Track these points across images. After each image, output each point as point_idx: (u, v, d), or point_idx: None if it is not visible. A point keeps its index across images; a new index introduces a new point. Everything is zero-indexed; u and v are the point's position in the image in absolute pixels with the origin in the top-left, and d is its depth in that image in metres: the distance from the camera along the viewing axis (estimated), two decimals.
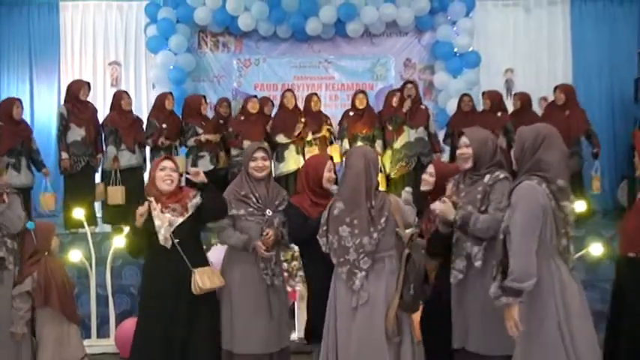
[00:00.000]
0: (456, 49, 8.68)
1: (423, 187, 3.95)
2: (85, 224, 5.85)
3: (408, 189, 3.99)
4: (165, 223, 3.68)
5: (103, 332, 5.64)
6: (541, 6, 9.13)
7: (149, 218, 3.69)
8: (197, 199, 3.80)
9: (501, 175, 3.33)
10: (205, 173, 5.94)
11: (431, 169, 3.95)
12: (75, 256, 5.46)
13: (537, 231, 2.84)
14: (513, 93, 7.35)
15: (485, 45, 8.97)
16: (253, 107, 7.20)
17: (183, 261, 3.68)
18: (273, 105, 7.78)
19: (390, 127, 7.14)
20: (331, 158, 3.96)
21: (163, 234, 3.67)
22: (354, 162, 3.50)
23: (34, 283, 4.08)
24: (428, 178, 3.91)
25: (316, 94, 7.74)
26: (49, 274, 4.09)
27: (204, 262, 3.84)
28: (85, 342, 5.52)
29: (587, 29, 9.01)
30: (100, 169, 7.04)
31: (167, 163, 3.82)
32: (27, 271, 4.12)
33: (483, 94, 7.52)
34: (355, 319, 3.34)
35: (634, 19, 9.01)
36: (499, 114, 7.20)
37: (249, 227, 3.81)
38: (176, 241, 3.68)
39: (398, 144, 7.10)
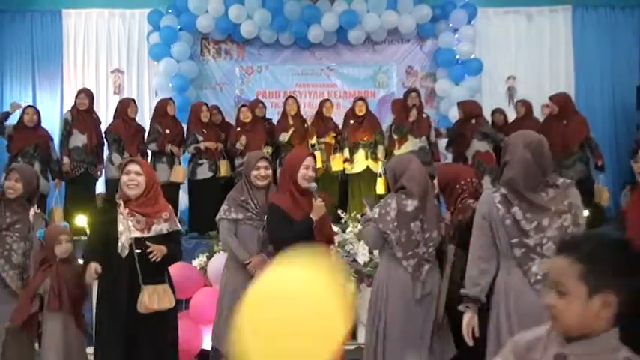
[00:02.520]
0: (458, 57, 8.72)
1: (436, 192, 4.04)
2: (87, 231, 5.84)
3: (313, 184, 3.79)
4: (126, 231, 3.53)
5: None
6: (543, 13, 9.15)
7: (113, 221, 3.56)
8: (166, 225, 3.66)
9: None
10: (204, 180, 5.94)
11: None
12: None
13: (480, 240, 2.93)
14: (516, 100, 7.35)
15: (487, 52, 8.99)
16: (245, 117, 7.15)
17: (134, 274, 3.51)
18: (264, 106, 7.77)
19: (396, 137, 7.16)
20: (312, 155, 3.89)
21: (122, 242, 3.52)
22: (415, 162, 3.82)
23: (46, 288, 4.07)
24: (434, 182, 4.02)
25: (329, 100, 7.78)
26: (61, 279, 4.08)
27: (160, 279, 3.63)
28: (90, 349, 5.56)
29: (588, 36, 9.03)
30: (100, 180, 7.12)
31: (132, 167, 3.64)
32: (38, 278, 4.11)
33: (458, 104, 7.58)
34: (420, 307, 3.58)
35: (635, 26, 9.01)
36: (472, 121, 7.20)
37: (248, 231, 3.95)
38: (136, 251, 3.52)
39: (401, 152, 7.10)
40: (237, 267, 3.92)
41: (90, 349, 5.46)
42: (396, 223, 3.59)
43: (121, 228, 3.55)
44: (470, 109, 7.33)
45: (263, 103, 7.84)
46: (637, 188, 3.49)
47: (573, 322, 1.50)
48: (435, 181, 3.93)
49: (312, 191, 3.71)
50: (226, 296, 3.90)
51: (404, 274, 3.57)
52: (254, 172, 3.96)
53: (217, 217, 4.02)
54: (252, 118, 7.19)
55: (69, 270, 4.14)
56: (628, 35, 9.00)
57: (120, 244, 3.53)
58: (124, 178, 3.63)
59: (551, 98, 7.13)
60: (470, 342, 2.92)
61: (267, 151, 7.10)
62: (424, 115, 7.32)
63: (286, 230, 3.59)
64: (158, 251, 3.56)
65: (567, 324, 1.51)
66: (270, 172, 4.04)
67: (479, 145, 7.05)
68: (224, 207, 3.99)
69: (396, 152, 7.11)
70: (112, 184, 6.81)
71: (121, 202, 3.61)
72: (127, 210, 3.57)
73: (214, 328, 4.05)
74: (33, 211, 4.25)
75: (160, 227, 3.64)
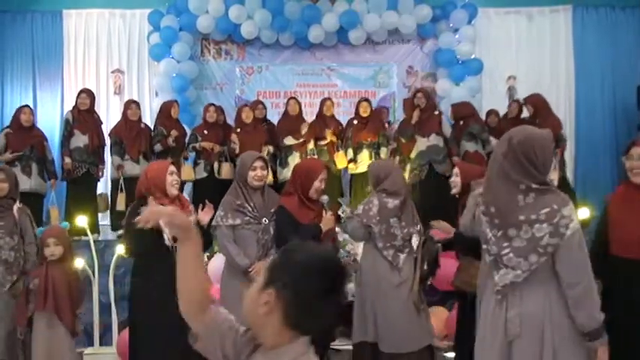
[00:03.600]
0: (458, 57, 8.71)
1: (454, 190, 4.07)
2: (88, 232, 5.86)
3: (324, 197, 4.07)
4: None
5: (105, 340, 5.63)
6: (543, 13, 9.14)
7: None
8: (193, 217, 3.76)
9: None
10: (201, 180, 5.91)
11: (455, 169, 4.13)
12: (78, 263, 5.45)
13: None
14: (523, 98, 7.30)
15: (488, 52, 8.99)
16: (247, 117, 7.20)
17: (174, 269, 3.58)
18: (264, 107, 7.77)
19: (403, 140, 7.17)
20: (327, 168, 4.17)
21: (168, 234, 3.56)
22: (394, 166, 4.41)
23: (34, 287, 4.13)
24: (455, 179, 4.06)
25: (330, 99, 7.76)
26: (48, 279, 4.12)
27: None
28: (88, 350, 5.57)
29: (589, 36, 9.02)
30: (102, 180, 7.17)
31: (174, 168, 3.85)
32: (31, 277, 4.18)
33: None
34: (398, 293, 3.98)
35: (636, 26, 9.01)
36: (461, 122, 7.22)
37: (247, 236, 3.85)
38: (175, 245, 3.62)
39: (413, 153, 7.13)
40: (236, 274, 3.83)
41: (90, 350, 5.53)
42: (378, 218, 4.02)
43: (162, 223, 3.55)
44: (457, 112, 7.39)
45: (263, 104, 7.85)
46: (627, 185, 3.45)
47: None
48: (457, 179, 3.98)
49: (324, 203, 3.98)
50: (225, 304, 3.81)
51: (383, 262, 4.01)
52: (251, 173, 3.89)
53: (213, 223, 3.86)
54: (252, 119, 7.22)
55: (59, 271, 4.16)
56: (628, 35, 8.99)
57: (166, 236, 3.59)
58: (170, 179, 3.74)
59: (526, 99, 7.17)
60: None
61: (269, 150, 7.12)
62: (435, 113, 7.26)
63: (291, 233, 3.70)
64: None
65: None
66: (265, 172, 3.98)
67: (468, 146, 7.07)
68: (220, 213, 3.88)
69: (412, 155, 7.13)
70: (115, 185, 6.88)
71: (152, 199, 3.66)
72: (154, 203, 3.61)
73: None
74: (16, 206, 4.37)
75: (191, 218, 3.72)
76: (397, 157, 7.26)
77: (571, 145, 7.80)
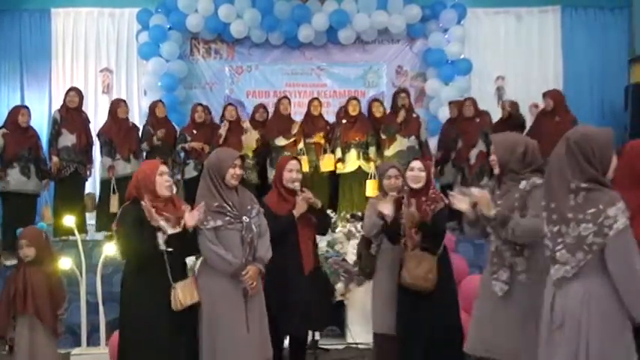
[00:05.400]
0: (447, 57, 8.72)
1: (416, 185, 4.10)
2: (76, 231, 5.82)
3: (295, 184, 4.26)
4: (157, 223, 3.51)
5: (93, 341, 5.60)
6: (532, 13, 9.18)
7: (143, 221, 3.51)
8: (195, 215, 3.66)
9: (538, 182, 3.21)
10: (191, 180, 5.89)
11: (418, 164, 4.17)
12: (65, 263, 5.41)
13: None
14: (543, 93, 7.29)
15: (477, 52, 9.01)
16: (231, 116, 7.26)
17: (166, 273, 3.53)
18: (266, 111, 7.76)
19: (384, 136, 7.17)
20: (296, 159, 4.42)
21: (160, 239, 3.51)
22: None
23: (13, 291, 4.10)
24: (419, 174, 4.09)
25: (317, 98, 7.80)
26: (26, 281, 4.09)
27: (185, 275, 3.69)
28: (75, 350, 5.54)
29: (577, 37, 9.06)
30: (89, 179, 7.15)
31: (165, 168, 3.72)
32: (9, 282, 4.16)
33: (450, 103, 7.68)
34: None
35: (624, 27, 9.05)
36: (477, 119, 7.23)
37: (230, 236, 3.71)
38: (169, 250, 3.52)
39: (390, 152, 7.12)
40: (220, 277, 3.69)
41: (77, 350, 5.51)
42: None
43: (155, 226, 3.51)
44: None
45: (265, 107, 7.84)
46: None
47: None
48: (421, 174, 4.10)
49: (297, 191, 4.17)
50: (204, 306, 3.68)
51: None
52: (231, 171, 3.74)
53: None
54: (235, 119, 7.24)
55: (37, 273, 4.13)
56: (616, 36, 9.04)
57: (160, 240, 3.50)
58: (160, 180, 3.61)
59: (546, 94, 7.17)
60: None
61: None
62: (414, 115, 7.33)
63: (269, 226, 3.90)
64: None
65: None
66: (242, 171, 3.92)
67: (482, 146, 7.06)
68: None
69: (386, 152, 7.13)
70: (105, 186, 6.84)
71: (145, 201, 3.55)
72: (155, 209, 3.53)
73: None
74: None
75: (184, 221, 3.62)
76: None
77: None
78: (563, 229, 2.63)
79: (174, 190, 3.77)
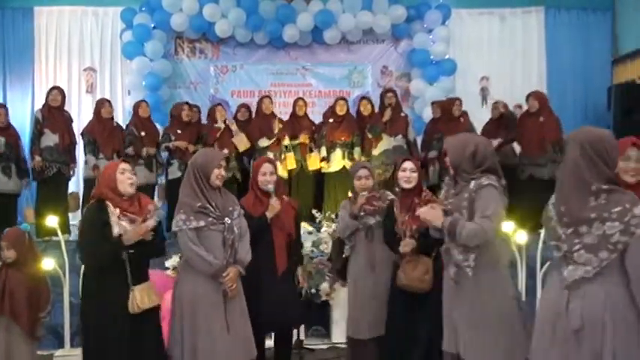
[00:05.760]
0: (432, 57, 8.77)
1: (408, 185, 4.11)
2: (59, 232, 5.76)
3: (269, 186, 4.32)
4: (120, 232, 3.48)
5: (76, 342, 5.54)
6: (516, 14, 9.24)
7: (106, 222, 3.48)
8: (154, 220, 3.62)
9: (485, 182, 3.25)
10: (175, 180, 5.86)
11: (410, 165, 4.15)
12: (48, 264, 5.36)
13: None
14: (527, 94, 7.36)
15: (461, 53, 9.06)
16: (222, 115, 7.29)
17: (125, 275, 3.50)
18: (248, 111, 7.76)
19: (370, 136, 7.18)
20: (271, 162, 4.44)
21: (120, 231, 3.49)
22: None
23: None
24: (410, 175, 4.10)
25: (302, 98, 7.82)
26: (5, 283, 4.05)
27: (145, 278, 3.65)
28: (59, 352, 5.50)
29: (561, 37, 9.13)
30: (72, 179, 7.08)
31: (126, 166, 3.64)
32: None
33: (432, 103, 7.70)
34: None
35: (607, 28, 9.13)
36: (461, 120, 7.30)
37: (212, 237, 3.72)
38: (130, 252, 3.49)
39: (376, 151, 7.16)
40: (202, 280, 3.70)
41: (60, 352, 5.46)
42: None
43: (117, 229, 3.48)
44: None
45: (247, 107, 7.83)
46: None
47: None
48: (413, 175, 4.11)
49: (271, 192, 4.22)
50: (184, 307, 3.69)
51: None
52: (216, 171, 3.75)
53: (175, 229, 3.71)
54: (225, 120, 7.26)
55: (16, 275, 4.09)
56: (599, 37, 9.12)
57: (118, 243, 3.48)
58: (122, 177, 3.57)
59: (530, 95, 7.21)
60: None
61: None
62: (402, 114, 7.36)
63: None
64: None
65: None
66: (226, 172, 3.95)
67: None
68: (181, 216, 3.69)
69: (373, 152, 7.16)
70: (88, 184, 6.78)
71: (108, 203, 3.53)
72: (118, 210, 3.51)
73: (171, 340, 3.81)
74: None
75: (151, 222, 3.59)
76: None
77: None
78: (582, 229, 2.62)
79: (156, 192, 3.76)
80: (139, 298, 3.49)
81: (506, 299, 3.35)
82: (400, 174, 4.19)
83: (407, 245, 3.95)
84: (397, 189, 4.24)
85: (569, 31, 9.15)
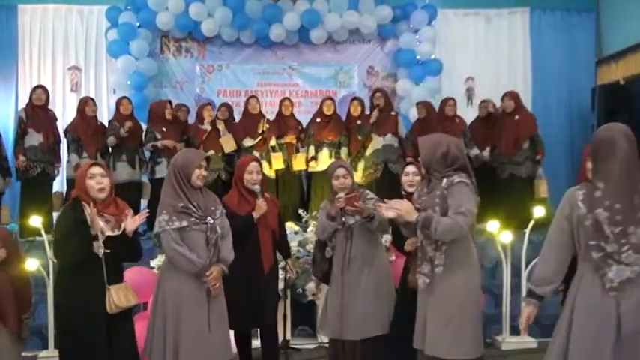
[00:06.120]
0: (418, 57, 8.79)
1: (411, 189, 4.13)
2: (43, 232, 5.72)
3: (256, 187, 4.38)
4: (98, 231, 3.48)
5: None
6: (501, 15, 9.28)
7: (83, 221, 3.47)
8: (138, 222, 3.64)
9: (457, 180, 3.32)
10: (159, 180, 5.82)
11: (413, 168, 4.18)
12: (32, 264, 5.32)
13: (558, 240, 2.83)
14: (502, 94, 7.43)
15: (447, 53, 9.08)
16: (209, 116, 7.29)
17: (101, 275, 3.50)
18: (227, 110, 7.72)
19: (360, 137, 7.21)
20: (257, 161, 4.48)
21: (97, 242, 3.48)
22: None
23: None
24: (413, 178, 4.15)
25: (288, 98, 7.81)
26: None
27: (121, 279, 3.66)
28: (43, 353, 5.47)
29: (546, 38, 9.18)
30: (57, 179, 7.03)
31: (95, 170, 3.59)
32: None
33: (417, 104, 7.72)
34: None
35: (591, 29, 9.19)
36: (457, 120, 7.40)
37: (195, 237, 3.74)
38: (106, 251, 3.48)
39: (368, 152, 7.22)
40: (188, 277, 3.72)
41: (44, 353, 5.43)
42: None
43: (93, 230, 3.47)
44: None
45: (228, 106, 7.80)
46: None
47: None
48: (416, 178, 4.15)
49: (257, 193, 4.29)
50: (168, 306, 3.70)
51: None
52: (197, 172, 3.77)
53: (158, 229, 3.71)
54: (213, 120, 7.25)
55: (3, 275, 4.05)
56: (584, 38, 9.17)
57: (95, 244, 3.46)
58: (91, 183, 3.54)
59: (506, 95, 7.33)
60: (525, 332, 2.94)
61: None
62: (392, 113, 7.38)
63: (229, 224, 3.98)
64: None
65: None
66: (207, 172, 3.95)
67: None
68: (163, 217, 3.70)
69: (366, 153, 7.23)
70: (71, 184, 6.74)
71: (87, 204, 3.52)
72: (95, 210, 3.49)
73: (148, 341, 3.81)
74: None
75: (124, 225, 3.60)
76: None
77: None
78: (630, 229, 2.64)
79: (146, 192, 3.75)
80: (116, 297, 3.50)
81: (474, 297, 3.41)
82: (404, 178, 4.26)
83: (411, 244, 3.93)
84: (403, 192, 4.28)
85: (554, 32, 9.21)
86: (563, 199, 2.84)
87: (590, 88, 8.60)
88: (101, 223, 3.49)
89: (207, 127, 7.17)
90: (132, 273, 4.64)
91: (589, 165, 3.06)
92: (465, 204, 3.25)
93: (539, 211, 5.85)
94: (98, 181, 3.56)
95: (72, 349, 3.52)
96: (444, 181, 3.36)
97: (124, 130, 6.84)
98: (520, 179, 7.04)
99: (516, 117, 7.13)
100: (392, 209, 3.37)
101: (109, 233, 3.51)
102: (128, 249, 3.63)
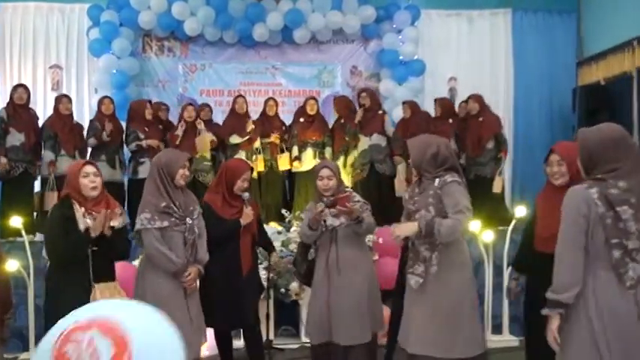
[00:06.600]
0: (401, 57, 8.81)
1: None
2: (23, 232, 5.67)
3: (245, 194, 4.37)
4: (85, 227, 3.48)
5: None
6: (483, 16, 9.32)
7: (71, 220, 3.48)
8: (120, 221, 3.66)
9: (449, 179, 3.39)
10: (143, 180, 5.68)
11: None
12: (12, 265, 5.27)
13: (577, 242, 2.66)
14: (467, 97, 7.50)
15: (430, 53, 9.11)
16: (189, 116, 7.23)
17: (88, 273, 3.52)
18: (211, 110, 7.73)
19: (347, 138, 7.22)
20: (251, 169, 4.45)
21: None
22: None
23: None
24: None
25: (273, 98, 7.81)
26: None
27: (111, 277, 3.67)
28: (23, 355, 5.42)
29: (528, 39, 9.24)
30: (39, 178, 6.91)
31: (89, 169, 3.63)
32: None
33: (435, 101, 7.74)
34: None
35: (572, 30, 9.27)
36: (450, 120, 7.43)
37: (175, 237, 3.81)
38: (93, 248, 3.50)
39: (356, 152, 7.26)
40: (166, 277, 3.78)
41: (25, 355, 5.38)
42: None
43: (82, 225, 3.48)
44: (449, 108, 7.68)
45: (210, 107, 7.77)
46: (549, 185, 3.59)
47: None
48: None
49: (245, 199, 4.26)
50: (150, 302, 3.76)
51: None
52: (181, 171, 3.84)
53: (139, 227, 3.76)
54: (193, 120, 7.19)
55: None
56: (565, 39, 9.24)
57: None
58: (84, 181, 3.55)
59: (470, 97, 7.45)
60: (556, 348, 2.75)
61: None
62: (379, 112, 7.41)
63: (214, 228, 4.07)
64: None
65: None
66: (189, 172, 4.06)
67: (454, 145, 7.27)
68: (145, 215, 3.75)
69: (354, 153, 7.28)
70: (45, 183, 6.65)
71: (74, 201, 3.53)
72: (83, 209, 3.51)
73: None
74: None
75: (117, 222, 3.63)
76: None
77: (509, 145, 7.98)
78: None
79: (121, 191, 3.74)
80: (99, 296, 3.49)
81: (470, 296, 3.45)
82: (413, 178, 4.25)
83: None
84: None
85: (536, 33, 9.27)
86: (572, 199, 2.70)
87: (571, 88, 8.67)
88: (89, 221, 3.49)
89: (179, 132, 7.08)
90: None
91: (548, 170, 3.10)
92: (462, 201, 3.34)
93: (520, 211, 5.89)
94: (91, 179, 3.58)
95: None
96: (436, 181, 3.43)
97: (106, 134, 6.80)
98: (485, 179, 7.08)
99: (480, 118, 7.22)
100: (397, 237, 3.48)
101: (114, 224, 3.56)
102: (116, 245, 3.64)
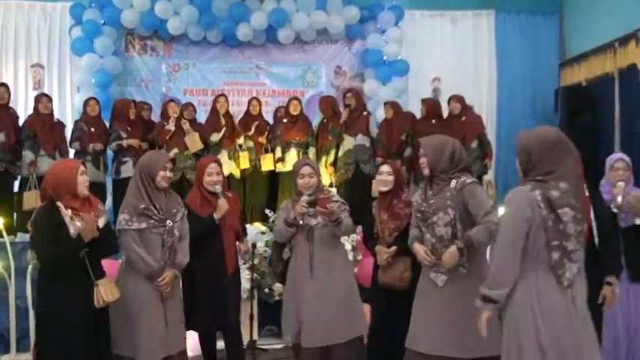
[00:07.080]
0: (385, 58, 8.83)
1: (384, 188, 4.14)
2: (4, 233, 5.60)
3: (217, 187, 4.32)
4: (76, 232, 3.47)
5: (23, 346, 5.43)
6: (467, 17, 9.36)
7: (59, 223, 3.46)
8: (104, 219, 3.66)
9: (468, 180, 3.41)
10: (129, 179, 5.76)
11: (387, 168, 4.18)
12: None
13: (516, 243, 2.70)
14: (449, 97, 7.57)
15: (414, 53, 9.12)
16: (174, 112, 7.20)
17: (86, 272, 3.51)
18: (194, 110, 7.65)
19: (331, 138, 7.22)
20: (216, 161, 4.42)
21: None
22: None
23: None
24: (387, 178, 4.13)
25: (257, 98, 7.80)
26: None
27: (103, 274, 3.66)
28: (4, 357, 5.37)
29: (510, 40, 9.29)
30: (19, 178, 6.84)
31: (84, 167, 3.67)
32: None
33: (422, 101, 7.75)
34: None
35: (555, 31, 9.34)
36: (433, 121, 7.39)
37: (153, 239, 3.80)
38: (85, 250, 3.49)
39: (340, 152, 7.26)
40: (142, 278, 3.79)
41: (6, 357, 5.32)
42: None
43: (72, 229, 3.46)
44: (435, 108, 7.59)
45: (194, 106, 7.72)
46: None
47: None
48: (383, 176, 4.13)
49: (217, 193, 4.22)
50: (131, 305, 3.76)
51: None
52: (161, 173, 3.83)
53: (118, 227, 3.78)
54: (178, 116, 7.16)
55: None
56: (548, 40, 9.30)
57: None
58: (82, 179, 3.58)
59: (452, 98, 7.53)
60: (485, 334, 2.81)
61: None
62: (364, 113, 7.43)
63: (193, 227, 4.04)
64: None
65: None
66: (172, 173, 4.02)
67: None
68: (124, 216, 3.76)
69: (339, 154, 7.28)
70: (24, 183, 6.58)
71: (60, 203, 3.50)
72: (70, 211, 3.49)
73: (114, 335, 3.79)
74: None
75: (102, 220, 3.63)
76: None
77: (492, 145, 8.02)
78: (584, 227, 2.73)
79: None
80: (104, 292, 3.54)
81: None
82: (378, 178, 4.25)
83: (382, 260, 4.02)
84: (377, 194, 4.31)
85: (519, 34, 9.32)
86: (516, 200, 2.75)
87: (554, 89, 8.73)
88: (79, 223, 3.48)
89: (171, 126, 7.07)
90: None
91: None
92: (488, 202, 3.38)
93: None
94: (86, 178, 3.61)
95: (59, 349, 3.48)
96: (453, 182, 3.44)
97: (92, 149, 6.80)
98: None
99: (463, 118, 7.30)
100: (450, 265, 3.42)
101: (100, 223, 3.57)
102: (107, 244, 3.66)
